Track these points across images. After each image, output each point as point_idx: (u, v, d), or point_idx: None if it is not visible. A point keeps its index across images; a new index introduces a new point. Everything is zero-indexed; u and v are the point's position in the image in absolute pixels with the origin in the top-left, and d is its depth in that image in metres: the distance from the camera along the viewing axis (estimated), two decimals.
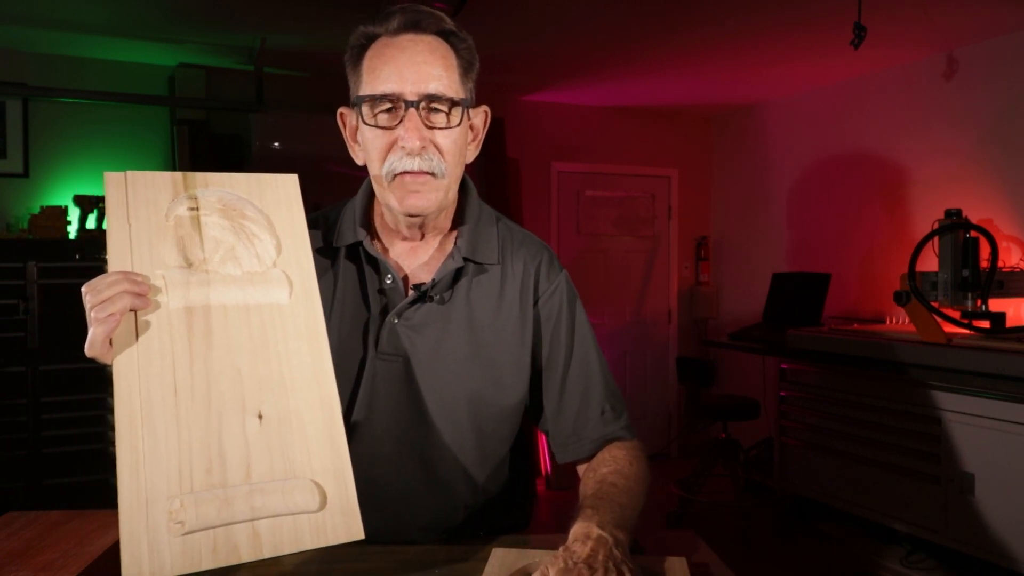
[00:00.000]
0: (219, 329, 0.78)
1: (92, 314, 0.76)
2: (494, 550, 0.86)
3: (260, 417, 0.75)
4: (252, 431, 0.74)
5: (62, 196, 3.56)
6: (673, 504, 3.94)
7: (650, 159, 5.06)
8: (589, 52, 3.72)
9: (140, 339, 0.75)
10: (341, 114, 1.07)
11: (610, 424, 1.08)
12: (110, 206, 0.81)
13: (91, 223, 3.44)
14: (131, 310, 0.77)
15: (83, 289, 0.77)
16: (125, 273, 0.77)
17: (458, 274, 1.05)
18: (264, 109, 3.72)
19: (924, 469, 2.98)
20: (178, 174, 0.86)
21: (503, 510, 1.12)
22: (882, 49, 3.60)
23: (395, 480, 1.04)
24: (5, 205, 3.54)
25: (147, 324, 0.76)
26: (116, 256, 0.79)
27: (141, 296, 0.77)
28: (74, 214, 3.46)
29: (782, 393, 3.68)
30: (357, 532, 0.73)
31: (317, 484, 0.73)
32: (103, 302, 0.75)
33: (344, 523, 0.73)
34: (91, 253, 3.16)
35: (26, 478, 3.06)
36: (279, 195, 0.89)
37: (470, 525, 1.08)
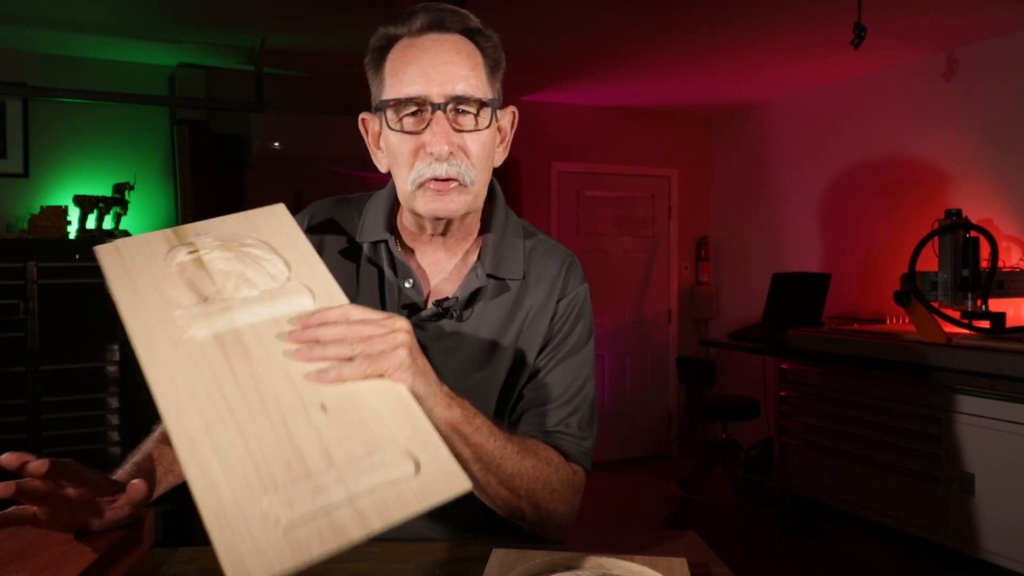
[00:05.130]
0: (254, 345, 0.76)
1: None
2: (494, 550, 0.86)
3: (324, 408, 0.72)
4: (320, 421, 0.71)
5: (62, 196, 3.56)
6: (673, 504, 3.94)
7: (650, 159, 5.06)
8: (589, 52, 3.72)
9: (177, 370, 0.73)
10: (363, 120, 1.03)
11: (568, 441, 1.01)
12: (109, 273, 0.81)
13: (91, 223, 3.44)
14: None
15: None
16: None
17: (479, 291, 1.02)
18: (264, 109, 3.72)
19: (924, 469, 2.98)
20: (168, 231, 0.87)
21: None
22: (882, 49, 3.60)
23: None
24: (5, 205, 3.54)
25: (180, 358, 0.74)
26: (128, 313, 0.78)
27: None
28: (74, 214, 3.45)
29: (782, 393, 3.68)
30: (462, 484, 0.68)
31: (406, 450, 0.70)
32: None
33: (446, 479, 0.68)
34: (91, 253, 3.15)
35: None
36: (272, 224, 0.89)
37: (479, 524, 1.07)
